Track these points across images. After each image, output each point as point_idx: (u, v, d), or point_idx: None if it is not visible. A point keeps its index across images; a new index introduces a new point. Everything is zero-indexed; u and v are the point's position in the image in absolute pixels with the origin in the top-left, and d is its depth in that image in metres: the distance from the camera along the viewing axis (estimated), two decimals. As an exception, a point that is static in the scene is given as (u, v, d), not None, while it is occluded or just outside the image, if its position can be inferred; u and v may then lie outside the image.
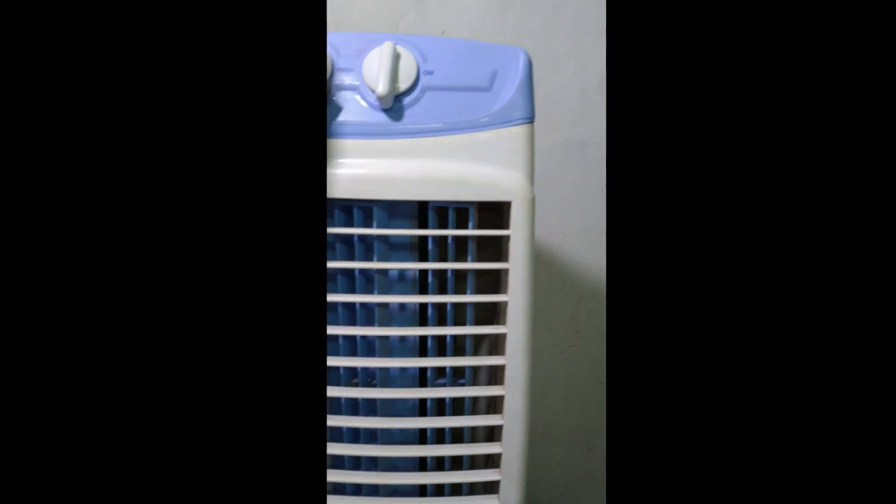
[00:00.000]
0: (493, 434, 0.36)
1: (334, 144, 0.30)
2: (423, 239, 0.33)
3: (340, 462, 0.34)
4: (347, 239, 0.33)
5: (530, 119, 0.30)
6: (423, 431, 0.35)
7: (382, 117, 0.30)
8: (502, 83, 0.30)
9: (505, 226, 0.31)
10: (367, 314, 0.33)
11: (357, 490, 0.35)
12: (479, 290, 0.33)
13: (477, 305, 0.33)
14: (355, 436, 0.34)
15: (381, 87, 0.28)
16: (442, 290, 0.33)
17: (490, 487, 0.35)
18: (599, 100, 0.60)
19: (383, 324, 0.33)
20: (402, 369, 0.34)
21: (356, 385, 0.34)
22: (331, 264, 0.32)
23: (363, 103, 0.30)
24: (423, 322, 0.34)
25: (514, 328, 0.31)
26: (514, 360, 0.32)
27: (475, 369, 0.35)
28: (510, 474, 0.33)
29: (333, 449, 0.33)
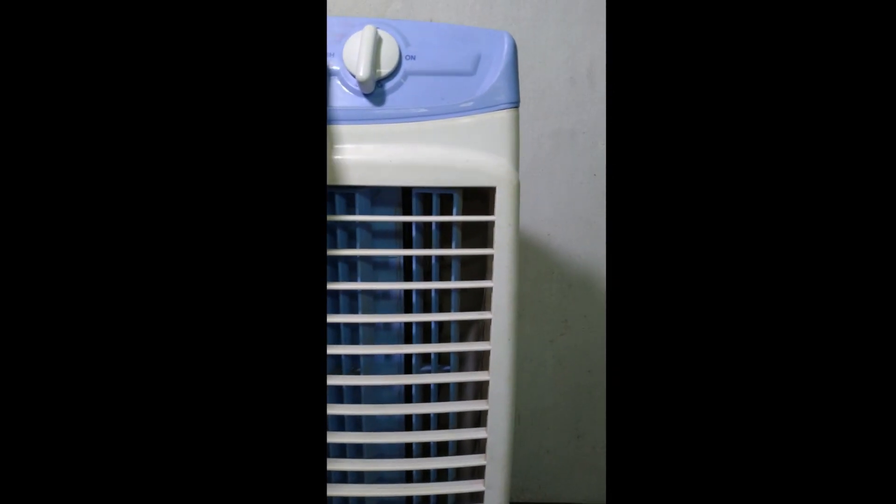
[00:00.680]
0: (480, 420, 0.36)
1: (316, 130, 0.30)
2: (407, 226, 0.33)
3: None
4: (330, 227, 0.32)
5: (515, 104, 0.30)
6: (408, 418, 0.35)
7: (364, 102, 0.30)
8: (486, 67, 0.30)
9: (490, 212, 0.31)
10: (351, 302, 0.33)
11: (342, 478, 0.35)
12: (466, 279, 0.33)
13: (464, 294, 0.33)
14: (340, 423, 0.34)
15: (362, 72, 0.28)
16: (426, 279, 0.33)
17: (477, 473, 0.35)
18: (589, 88, 0.60)
19: (367, 311, 0.33)
20: (388, 356, 0.34)
21: (340, 373, 0.34)
22: (314, 251, 0.32)
23: (344, 88, 0.30)
24: (407, 310, 0.34)
25: (499, 314, 0.31)
26: (499, 345, 0.32)
27: (462, 356, 0.35)
28: (495, 459, 0.33)
29: (319, 436, 0.33)
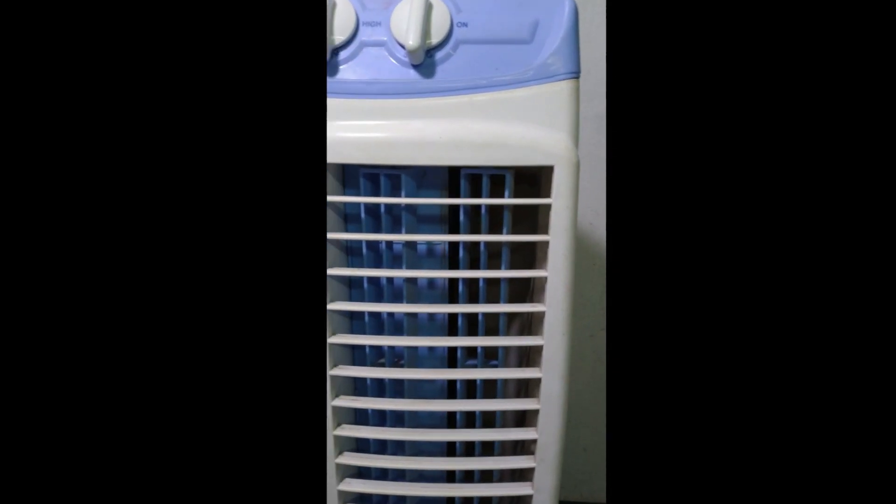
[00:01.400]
0: (522, 419, 0.34)
1: (359, 105, 0.28)
2: (454, 211, 0.31)
3: (365, 445, 0.33)
4: (374, 211, 0.30)
5: (576, 74, 0.27)
6: (451, 415, 0.33)
7: (412, 74, 0.27)
8: (545, 34, 0.27)
9: (544, 194, 0.28)
10: (394, 292, 0.31)
11: (383, 474, 0.33)
12: (512, 268, 0.31)
13: (509, 286, 0.31)
14: (382, 419, 0.33)
15: (412, 41, 0.26)
16: (473, 268, 0.31)
17: (521, 474, 0.33)
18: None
19: (411, 302, 0.31)
20: (431, 349, 0.32)
21: (382, 366, 0.32)
22: (355, 236, 0.30)
23: (391, 60, 0.28)
24: (452, 301, 0.32)
25: (554, 306, 0.29)
26: (553, 340, 0.29)
27: (504, 352, 0.33)
28: (546, 461, 0.31)
29: (359, 432, 0.32)
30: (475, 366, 0.32)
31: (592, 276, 0.61)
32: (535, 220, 0.31)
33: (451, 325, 0.32)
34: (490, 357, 0.33)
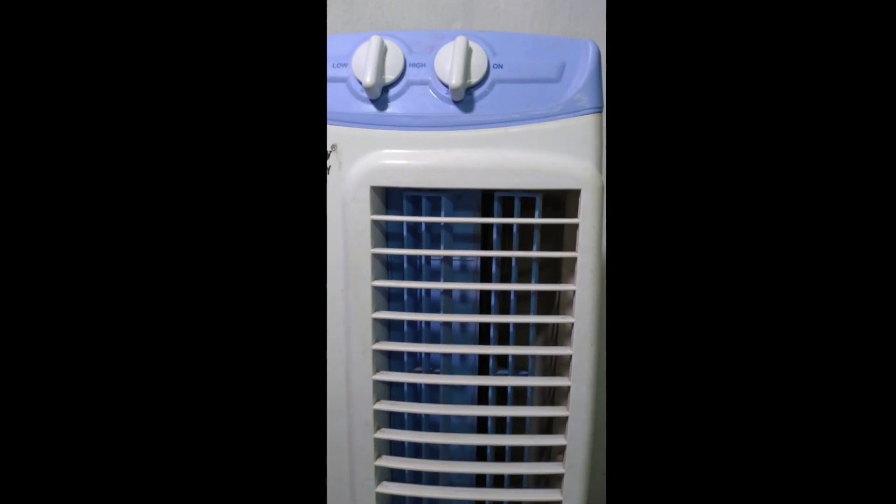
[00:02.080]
0: (550, 427, 0.36)
1: (406, 136, 0.31)
2: (486, 230, 0.34)
3: (400, 450, 0.35)
4: (414, 229, 0.34)
5: (600, 108, 0.31)
6: (481, 421, 0.35)
7: (453, 109, 0.31)
8: (571, 74, 0.31)
9: (571, 215, 0.31)
10: (431, 304, 0.34)
11: (417, 478, 0.35)
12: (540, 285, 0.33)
13: (537, 302, 0.33)
14: (417, 425, 0.35)
15: (455, 80, 0.29)
16: (505, 282, 0.33)
17: (547, 482, 0.35)
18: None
19: (447, 312, 0.34)
20: (463, 359, 0.35)
21: (419, 372, 0.35)
22: (398, 251, 0.33)
23: (435, 96, 0.31)
24: (484, 314, 0.34)
25: (583, 318, 0.31)
26: (582, 350, 0.31)
27: (533, 364, 0.35)
28: (575, 467, 0.33)
29: (398, 436, 0.34)
30: (507, 374, 0.35)
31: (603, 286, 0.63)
32: (559, 240, 0.34)
33: (482, 337, 0.35)
34: (520, 368, 0.35)
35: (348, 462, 0.34)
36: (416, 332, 0.34)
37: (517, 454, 0.35)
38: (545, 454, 0.36)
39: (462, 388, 0.34)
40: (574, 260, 0.31)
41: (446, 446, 0.34)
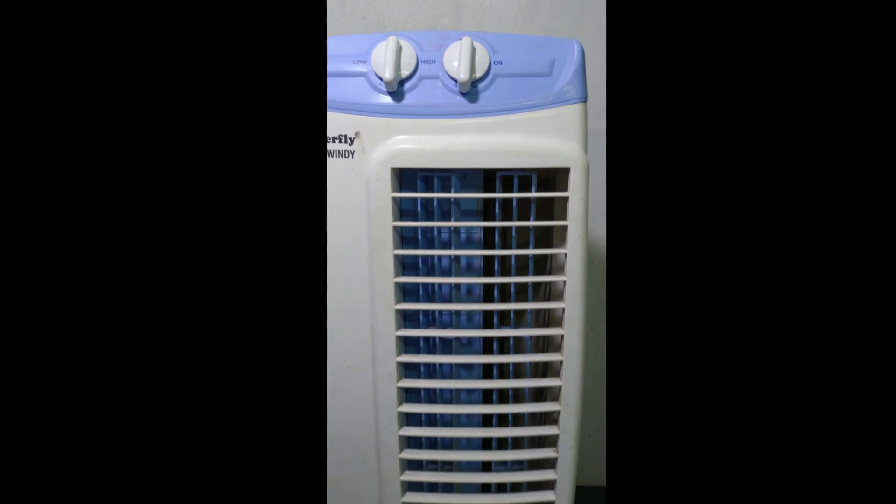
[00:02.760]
0: (545, 373, 0.41)
1: (420, 123, 0.36)
2: (489, 206, 0.39)
3: (416, 397, 0.40)
4: (427, 206, 0.39)
5: (584, 99, 0.36)
6: (487, 369, 0.40)
7: (460, 100, 0.36)
8: (560, 69, 0.36)
9: (563, 189, 0.37)
10: (441, 271, 0.39)
11: (432, 421, 0.41)
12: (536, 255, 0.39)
13: (534, 267, 0.39)
14: (431, 374, 0.40)
15: (463, 75, 0.34)
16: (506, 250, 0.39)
17: (543, 419, 0.40)
18: (624, 91, 0.66)
19: (456, 276, 0.39)
20: (469, 318, 0.40)
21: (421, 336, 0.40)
22: (414, 224, 0.38)
23: (444, 88, 0.36)
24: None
25: (573, 276, 0.37)
26: (573, 304, 0.37)
27: (532, 317, 0.41)
28: (569, 405, 0.39)
29: (413, 384, 0.39)
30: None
31: (590, 275, 0.69)
32: (550, 216, 0.39)
33: (486, 298, 0.40)
34: (519, 324, 0.41)
35: (374, 410, 0.39)
36: (429, 296, 0.40)
37: (518, 395, 0.40)
38: (542, 396, 0.42)
39: (469, 342, 0.40)
40: (564, 230, 0.37)
41: (457, 391, 0.40)
